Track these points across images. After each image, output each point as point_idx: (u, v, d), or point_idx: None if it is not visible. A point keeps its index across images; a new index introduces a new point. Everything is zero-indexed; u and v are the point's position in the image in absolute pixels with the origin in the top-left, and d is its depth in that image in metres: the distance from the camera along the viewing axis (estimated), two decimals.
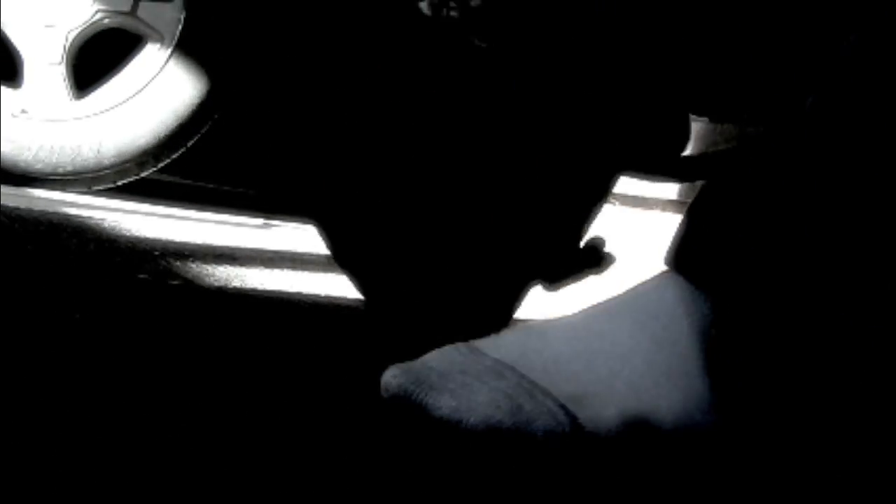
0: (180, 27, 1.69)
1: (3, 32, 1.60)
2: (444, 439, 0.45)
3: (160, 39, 1.69)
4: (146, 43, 1.69)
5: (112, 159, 1.66)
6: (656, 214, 1.21)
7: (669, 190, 1.18)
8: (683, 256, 0.55)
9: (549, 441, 0.46)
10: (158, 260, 0.91)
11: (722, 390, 0.49)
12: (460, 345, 0.50)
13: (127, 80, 1.67)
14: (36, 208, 1.21)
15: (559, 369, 0.48)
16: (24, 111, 1.60)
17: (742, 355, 0.49)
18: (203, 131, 1.73)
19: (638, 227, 1.24)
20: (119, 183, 1.69)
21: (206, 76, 1.71)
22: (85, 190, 1.66)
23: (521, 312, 1.08)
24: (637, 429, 0.47)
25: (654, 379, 0.48)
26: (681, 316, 0.51)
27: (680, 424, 0.47)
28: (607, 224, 1.27)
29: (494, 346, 0.50)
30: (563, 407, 0.46)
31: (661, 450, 0.47)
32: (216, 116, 1.74)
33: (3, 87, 1.58)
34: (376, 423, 0.47)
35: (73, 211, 1.28)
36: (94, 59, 1.76)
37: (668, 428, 0.47)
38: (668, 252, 0.56)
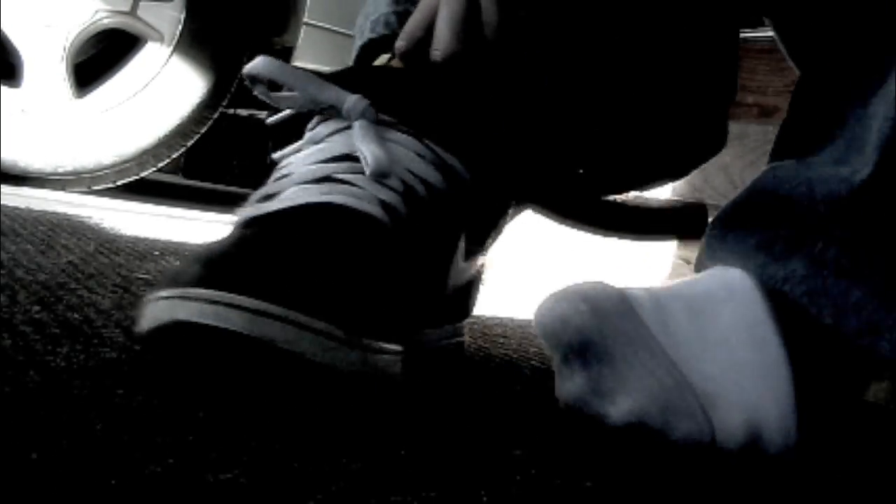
0: (180, 27, 1.69)
1: (3, 32, 1.60)
2: (590, 421, 0.44)
3: (160, 39, 1.69)
4: (146, 43, 1.69)
5: (112, 159, 1.66)
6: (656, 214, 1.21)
7: (670, 190, 1.18)
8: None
9: (688, 448, 0.43)
10: (158, 260, 0.91)
11: (803, 399, 0.48)
12: (628, 295, 0.47)
13: (127, 80, 1.68)
14: (36, 208, 1.21)
15: (692, 356, 0.46)
16: (24, 111, 1.60)
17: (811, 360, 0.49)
18: (203, 131, 1.74)
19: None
20: (119, 183, 1.69)
21: (206, 76, 1.71)
22: (85, 190, 1.66)
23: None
24: (756, 442, 0.45)
25: (761, 382, 0.47)
26: (759, 312, 0.49)
27: (782, 438, 0.46)
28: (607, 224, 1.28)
29: (641, 306, 0.47)
30: (702, 409, 0.44)
31: (770, 463, 0.46)
32: (216, 116, 1.74)
33: (3, 87, 1.58)
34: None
35: (72, 211, 1.28)
36: (94, 59, 1.76)
37: (776, 443, 0.46)
38: (716, 250, 0.55)
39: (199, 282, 0.43)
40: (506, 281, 1.36)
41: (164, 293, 0.44)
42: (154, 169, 1.72)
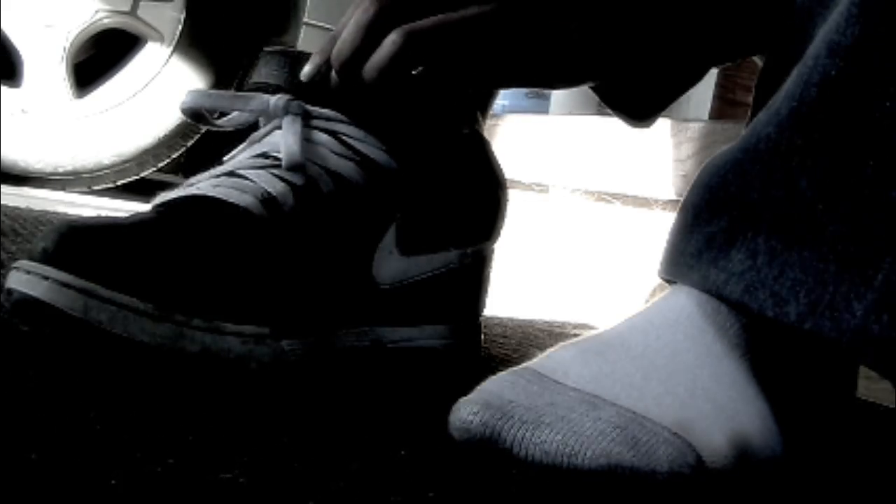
0: (180, 27, 1.69)
1: (3, 32, 1.60)
2: (554, 478, 0.41)
3: (160, 39, 1.69)
4: (146, 43, 1.69)
5: (112, 159, 1.66)
6: (656, 214, 1.21)
7: (669, 190, 1.18)
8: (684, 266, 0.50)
9: (675, 475, 0.41)
10: None
11: (778, 405, 0.46)
12: (519, 371, 0.45)
13: (127, 80, 1.68)
14: (36, 208, 1.21)
15: (644, 393, 0.44)
16: (24, 111, 1.60)
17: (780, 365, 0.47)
18: (203, 131, 1.74)
19: (638, 227, 1.24)
20: (119, 183, 1.69)
21: (206, 76, 1.71)
22: (85, 190, 1.66)
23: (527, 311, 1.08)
24: (744, 456, 0.44)
25: (728, 396, 0.45)
26: (708, 328, 0.47)
27: (768, 447, 0.44)
28: (607, 224, 1.27)
29: (560, 371, 0.45)
30: (676, 435, 0.42)
31: (762, 477, 0.45)
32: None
33: (3, 87, 1.58)
34: (452, 464, 0.43)
35: (72, 211, 1.28)
36: (94, 59, 1.76)
37: (763, 454, 0.44)
38: (665, 263, 0.52)
39: (38, 255, 0.49)
40: (506, 281, 1.36)
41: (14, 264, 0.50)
42: (154, 169, 1.72)
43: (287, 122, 0.60)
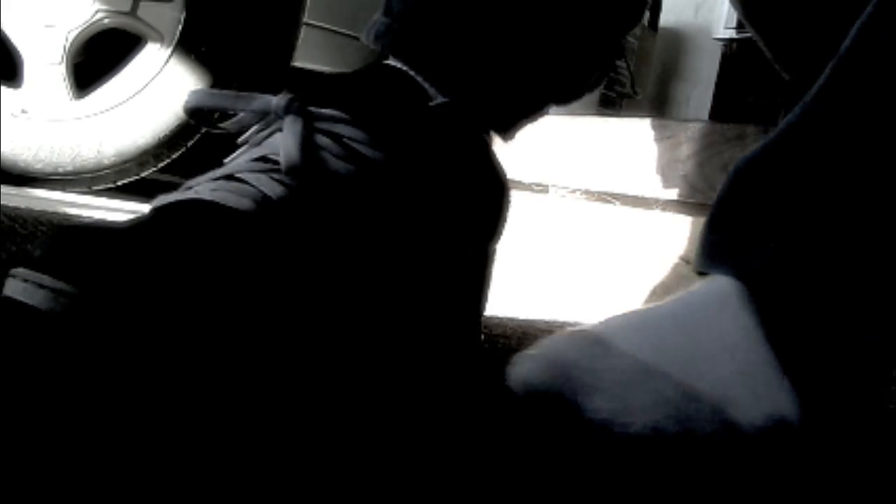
0: (180, 27, 1.69)
1: (3, 32, 1.60)
2: (602, 444, 0.42)
3: (160, 39, 1.69)
4: (146, 43, 1.69)
5: (112, 159, 1.66)
6: (656, 214, 1.21)
7: (669, 190, 1.18)
8: (720, 258, 0.52)
9: (715, 448, 0.43)
10: None
11: (807, 388, 0.47)
12: (580, 332, 0.47)
13: (127, 80, 1.68)
14: (36, 208, 1.21)
15: (691, 369, 0.45)
16: (24, 111, 1.60)
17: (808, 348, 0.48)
18: (203, 131, 1.74)
19: (638, 227, 1.24)
20: (119, 183, 1.69)
21: (206, 76, 1.71)
22: (85, 190, 1.66)
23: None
24: (780, 436, 0.45)
25: (767, 379, 0.46)
26: (749, 313, 0.48)
27: (801, 429, 0.46)
28: (607, 224, 1.27)
29: (619, 337, 0.46)
30: (718, 411, 0.44)
31: (796, 457, 0.46)
32: (216, 116, 1.74)
33: (3, 87, 1.58)
34: (504, 420, 0.43)
35: (73, 211, 1.28)
36: (95, 59, 1.76)
37: (797, 435, 0.45)
38: (701, 256, 0.53)
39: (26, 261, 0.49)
40: (506, 281, 1.36)
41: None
42: (154, 169, 1.72)
43: (288, 122, 0.59)
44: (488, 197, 0.70)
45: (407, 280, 0.64)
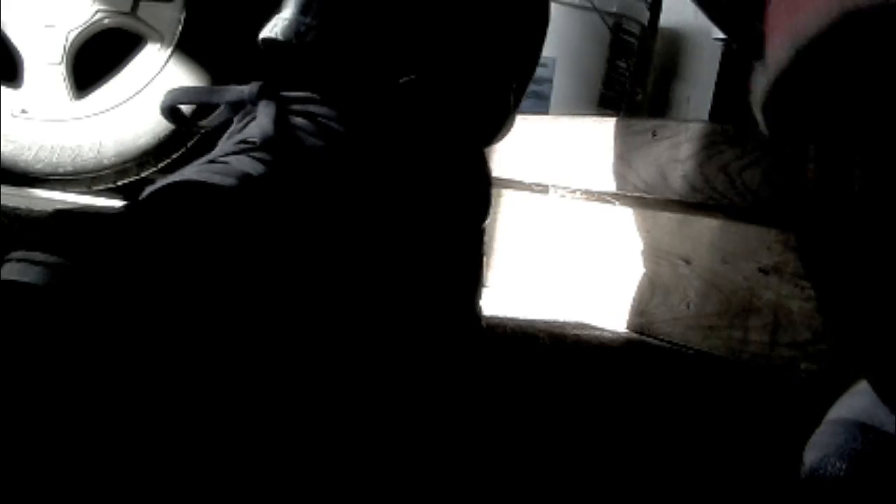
0: (180, 27, 1.69)
1: (3, 32, 1.60)
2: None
3: (160, 39, 1.69)
4: (146, 43, 1.69)
5: (112, 159, 1.66)
6: (656, 214, 1.21)
7: (669, 190, 1.18)
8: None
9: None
10: None
11: None
12: (842, 422, 0.53)
13: (127, 80, 1.68)
14: (36, 208, 1.21)
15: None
16: (24, 111, 1.60)
17: None
18: (203, 131, 1.73)
19: (638, 227, 1.24)
20: (119, 183, 1.69)
21: (206, 76, 1.71)
22: (85, 190, 1.66)
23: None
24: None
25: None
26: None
27: None
28: (607, 224, 1.28)
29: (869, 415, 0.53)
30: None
31: None
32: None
33: (3, 87, 1.58)
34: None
35: None
36: (94, 59, 1.76)
37: None
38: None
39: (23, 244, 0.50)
40: (506, 281, 1.36)
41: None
42: (154, 169, 1.72)
43: (261, 106, 0.62)
44: (469, 174, 0.71)
45: (390, 249, 0.64)
